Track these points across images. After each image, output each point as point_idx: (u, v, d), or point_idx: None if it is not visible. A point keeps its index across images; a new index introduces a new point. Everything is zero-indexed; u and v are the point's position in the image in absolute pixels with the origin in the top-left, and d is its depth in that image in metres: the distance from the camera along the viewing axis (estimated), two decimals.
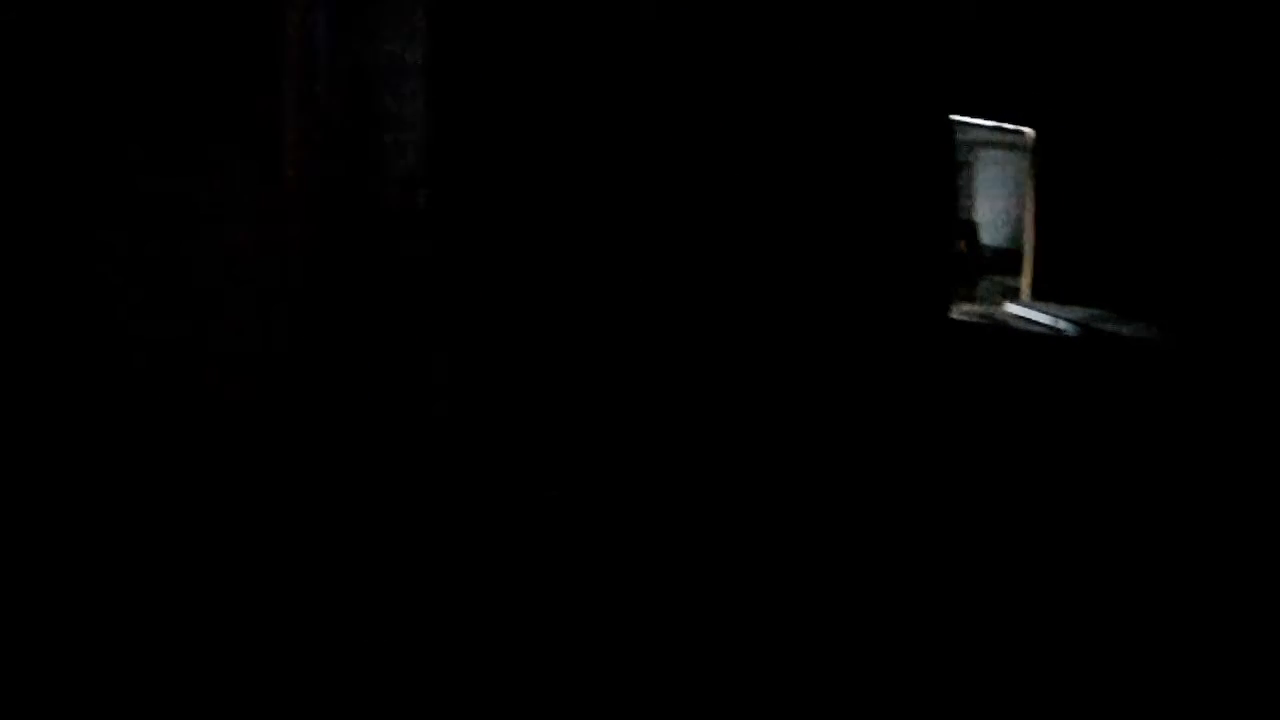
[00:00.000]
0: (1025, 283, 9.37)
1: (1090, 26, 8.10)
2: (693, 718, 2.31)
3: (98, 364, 2.89)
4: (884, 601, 2.94)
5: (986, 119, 8.75)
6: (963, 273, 11.25)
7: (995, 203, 13.07)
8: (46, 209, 2.85)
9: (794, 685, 2.44)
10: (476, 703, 2.35)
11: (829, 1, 6.06)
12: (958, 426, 5.05)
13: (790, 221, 5.91)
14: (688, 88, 5.30)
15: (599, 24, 4.76)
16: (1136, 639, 2.70)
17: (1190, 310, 8.03)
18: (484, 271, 3.79)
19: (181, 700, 2.25)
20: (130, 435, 2.95)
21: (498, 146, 4.17)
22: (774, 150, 5.82)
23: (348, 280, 3.20)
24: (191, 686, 2.31)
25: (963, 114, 8.29)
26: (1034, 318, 8.47)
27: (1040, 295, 9.18)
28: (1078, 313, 8.29)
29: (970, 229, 12.47)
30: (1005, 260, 11.68)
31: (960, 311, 8.99)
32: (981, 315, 8.90)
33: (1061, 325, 8.02)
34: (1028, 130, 9.02)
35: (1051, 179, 8.97)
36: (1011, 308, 8.97)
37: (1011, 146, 11.43)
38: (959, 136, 9.42)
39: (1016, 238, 11.12)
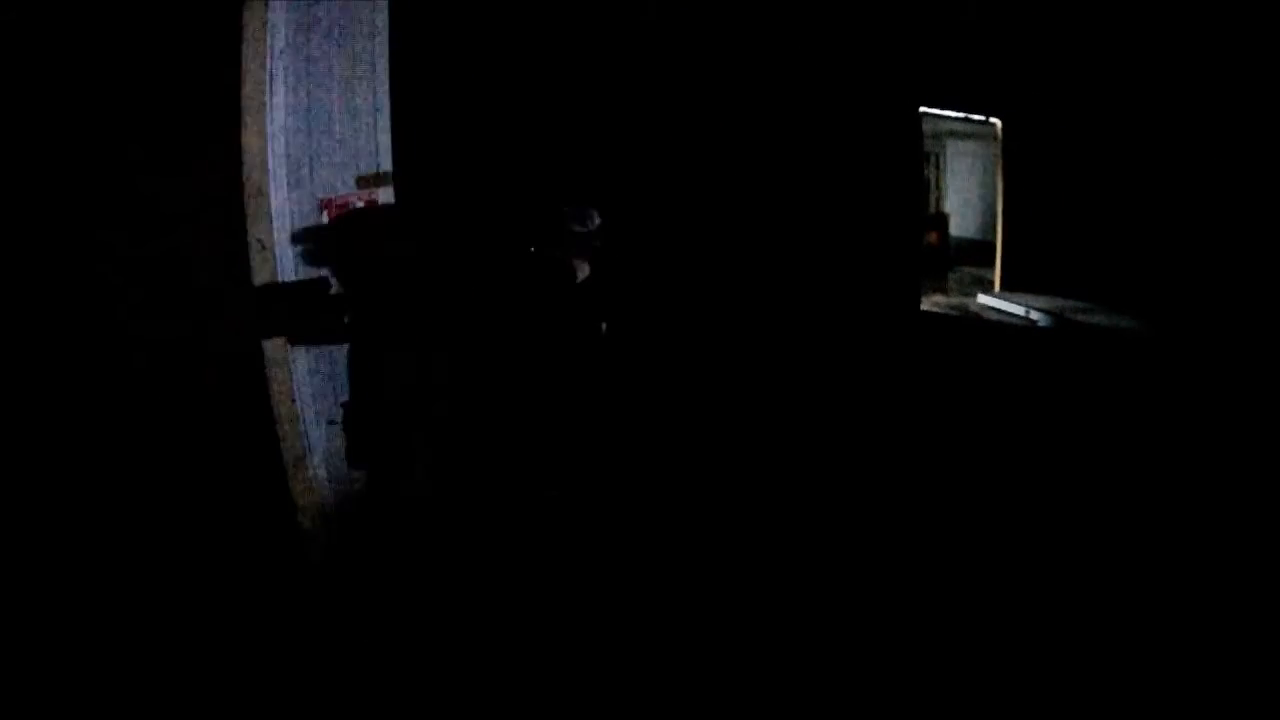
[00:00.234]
0: (997, 273, 9.42)
1: (1054, 15, 8.13)
2: (692, 716, 2.28)
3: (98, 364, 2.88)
4: (866, 590, 2.91)
5: (954, 110, 8.77)
6: (933, 264, 11.30)
7: (966, 194, 13.14)
8: (46, 209, 2.84)
9: (790, 677, 2.41)
10: (477, 702, 2.34)
11: None
12: (930, 418, 5.03)
13: (757, 216, 5.86)
14: (650, 80, 5.24)
15: (570, 17, 4.69)
16: (1113, 627, 2.68)
17: (1162, 299, 8.10)
18: (472, 270, 3.75)
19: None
20: (130, 435, 2.94)
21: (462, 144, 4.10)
22: (738, 144, 5.77)
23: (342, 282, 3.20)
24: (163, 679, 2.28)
25: (930, 105, 8.31)
26: (1006, 308, 8.51)
27: (1012, 286, 9.23)
28: (1050, 303, 8.34)
29: (941, 220, 12.53)
30: (977, 251, 11.75)
31: (931, 303, 9.02)
32: (953, 306, 8.93)
33: (1034, 315, 8.05)
34: (995, 121, 9.06)
35: (1021, 169, 9.02)
36: (983, 299, 9.01)
37: (982, 137, 11.49)
38: (928, 128, 9.46)
39: (988, 229, 11.19)
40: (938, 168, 13.33)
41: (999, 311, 8.53)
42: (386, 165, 3.27)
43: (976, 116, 9.06)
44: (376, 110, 3.25)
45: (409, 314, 3.21)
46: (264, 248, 3.02)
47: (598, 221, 3.19)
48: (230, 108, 3.00)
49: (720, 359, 5.29)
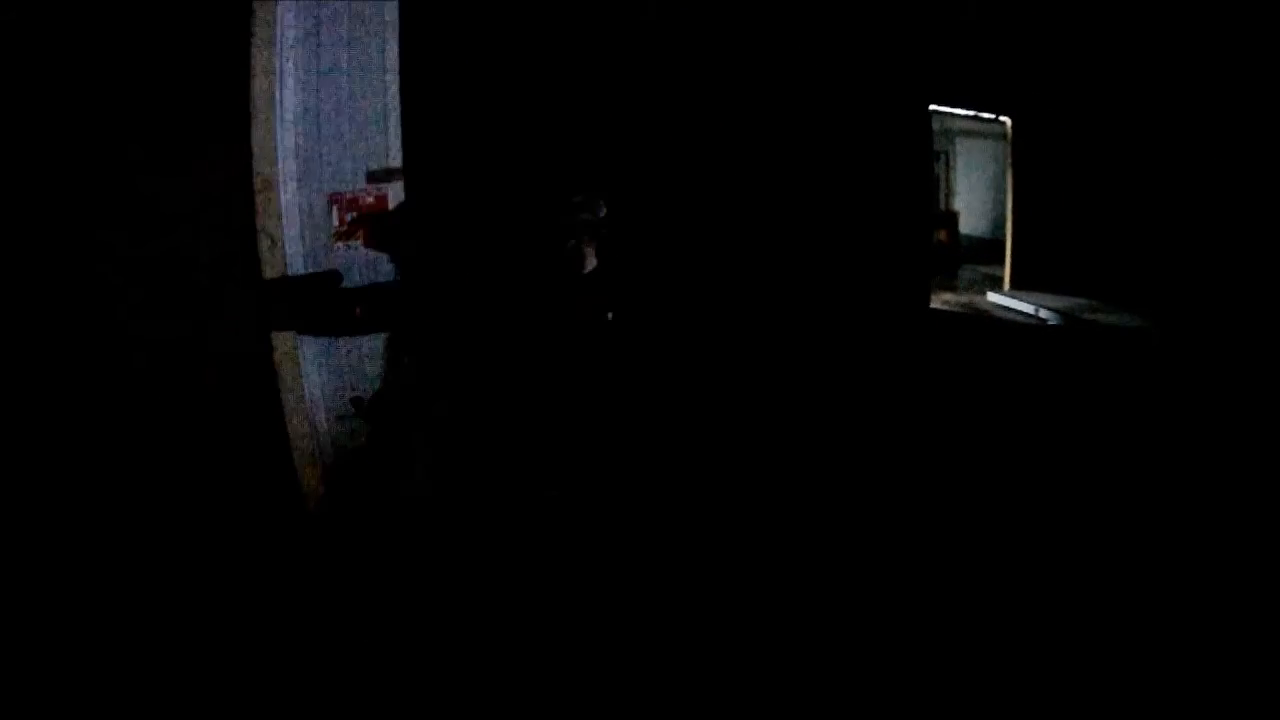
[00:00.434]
0: (1007, 272, 9.38)
1: (1065, 14, 8.09)
2: (691, 715, 2.28)
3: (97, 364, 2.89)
4: (876, 587, 2.90)
5: (964, 108, 8.73)
6: (943, 262, 11.26)
7: (976, 192, 13.08)
8: (47, 209, 2.85)
9: (788, 674, 2.40)
10: (476, 702, 2.33)
11: None
12: (940, 416, 5.02)
13: (767, 213, 5.85)
14: (658, 78, 5.24)
15: (573, 19, 4.69)
16: (1117, 624, 2.67)
17: (1174, 299, 8.04)
18: (471, 270, 3.75)
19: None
20: (131, 435, 2.95)
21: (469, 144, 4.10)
22: (747, 140, 5.76)
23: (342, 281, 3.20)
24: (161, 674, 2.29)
25: (940, 103, 8.27)
26: (1016, 307, 8.47)
27: (1022, 284, 9.18)
28: (1060, 301, 8.29)
29: (951, 219, 12.48)
30: (987, 249, 11.70)
31: (941, 301, 8.98)
32: (963, 304, 8.90)
33: (1043, 314, 8.01)
34: (1005, 119, 9.01)
35: (1031, 168, 8.97)
36: (993, 297, 8.96)
37: (992, 136, 11.44)
38: (938, 126, 9.42)
39: (998, 227, 11.13)
40: (948, 166, 13.26)
41: (1009, 310, 8.48)
42: (397, 160, 3.28)
43: (987, 115, 9.01)
44: (387, 105, 3.26)
45: (419, 309, 3.22)
46: (274, 242, 3.03)
47: (604, 211, 3.19)
48: (233, 107, 2.99)
49: (727, 354, 5.28)
